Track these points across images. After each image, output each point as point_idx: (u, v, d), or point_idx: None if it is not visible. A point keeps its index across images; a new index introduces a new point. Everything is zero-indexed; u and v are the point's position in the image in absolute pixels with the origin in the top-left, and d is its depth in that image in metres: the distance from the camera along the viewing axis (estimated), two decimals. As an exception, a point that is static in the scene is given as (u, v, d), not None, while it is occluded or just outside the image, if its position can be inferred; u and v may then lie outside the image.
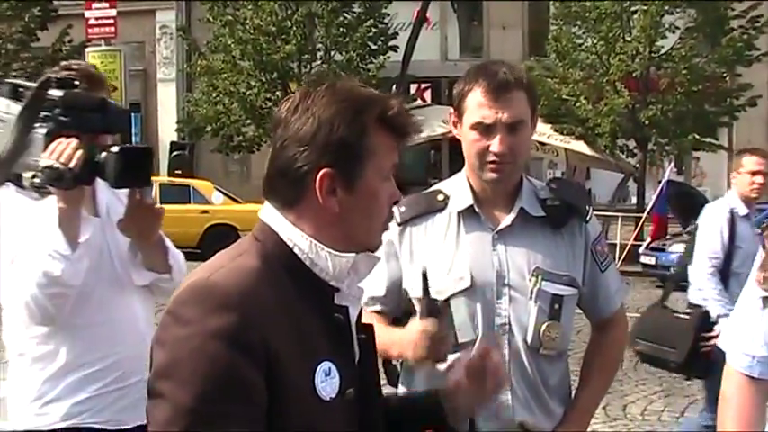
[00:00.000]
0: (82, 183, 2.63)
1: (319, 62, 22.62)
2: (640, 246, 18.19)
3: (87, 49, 24.72)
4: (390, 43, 22.76)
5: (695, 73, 20.56)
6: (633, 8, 20.61)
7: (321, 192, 1.71)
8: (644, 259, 17.67)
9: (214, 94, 22.88)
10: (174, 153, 23.30)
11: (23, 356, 2.92)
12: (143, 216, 2.81)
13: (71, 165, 2.54)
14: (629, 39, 20.78)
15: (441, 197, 2.68)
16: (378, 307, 2.70)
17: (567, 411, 2.69)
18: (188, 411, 1.56)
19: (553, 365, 2.66)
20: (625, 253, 17.90)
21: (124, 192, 2.80)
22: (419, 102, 24.87)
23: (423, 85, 26.73)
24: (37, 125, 2.62)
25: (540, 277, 2.58)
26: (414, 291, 2.58)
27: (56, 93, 2.65)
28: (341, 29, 22.22)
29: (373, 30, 22.51)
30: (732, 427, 2.37)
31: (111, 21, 24.35)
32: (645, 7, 20.13)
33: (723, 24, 20.73)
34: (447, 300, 2.55)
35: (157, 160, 26.14)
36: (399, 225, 2.65)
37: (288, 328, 1.66)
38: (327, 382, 1.69)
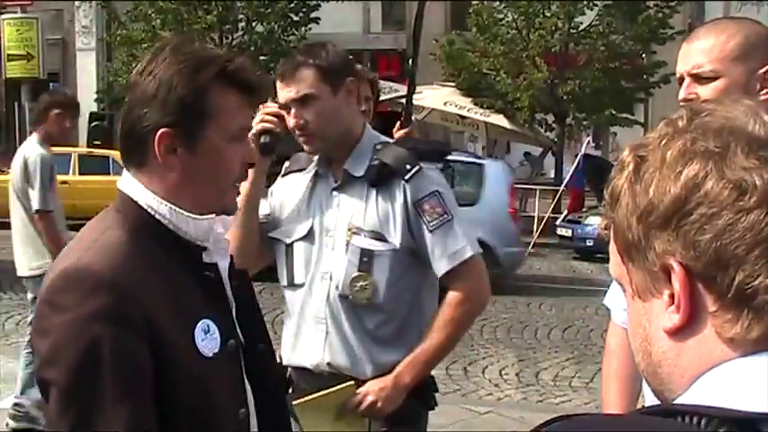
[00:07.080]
0: None
1: (240, 33, 22.44)
2: (557, 218, 18.53)
3: (2, 17, 24.07)
4: (312, 15, 22.68)
5: (612, 49, 21.02)
6: (553, -16, 20.93)
7: (160, 151, 1.73)
8: (561, 231, 18.04)
9: (134, 64, 22.42)
10: (94, 123, 22.90)
11: None
12: None
13: None
14: (548, 14, 21.11)
15: (316, 157, 2.99)
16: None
17: (400, 362, 2.85)
18: (78, 397, 1.59)
19: (375, 315, 2.85)
20: (542, 225, 18.19)
21: None
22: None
23: (345, 58, 26.64)
24: None
25: (351, 232, 2.85)
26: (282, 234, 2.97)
27: None
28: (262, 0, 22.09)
29: (295, 1, 22.41)
30: (615, 378, 2.53)
31: (28, -13, 23.77)
32: (564, -16, 20.46)
33: (639, 3, 21.15)
34: (291, 244, 2.94)
35: (77, 131, 25.73)
36: (282, 177, 3.08)
37: (163, 295, 1.69)
38: (208, 339, 1.74)
